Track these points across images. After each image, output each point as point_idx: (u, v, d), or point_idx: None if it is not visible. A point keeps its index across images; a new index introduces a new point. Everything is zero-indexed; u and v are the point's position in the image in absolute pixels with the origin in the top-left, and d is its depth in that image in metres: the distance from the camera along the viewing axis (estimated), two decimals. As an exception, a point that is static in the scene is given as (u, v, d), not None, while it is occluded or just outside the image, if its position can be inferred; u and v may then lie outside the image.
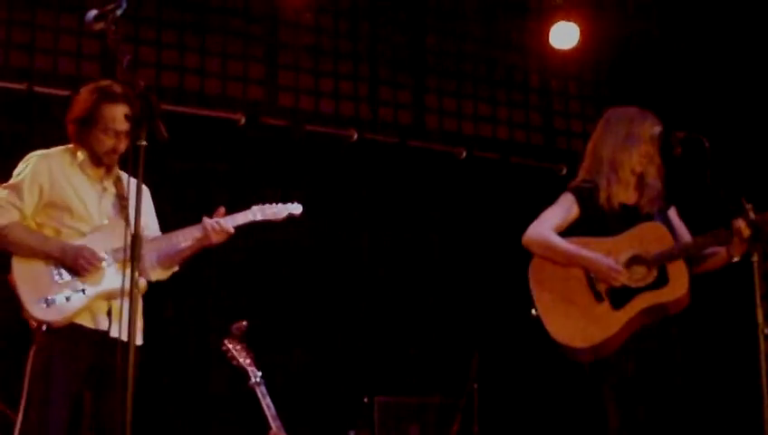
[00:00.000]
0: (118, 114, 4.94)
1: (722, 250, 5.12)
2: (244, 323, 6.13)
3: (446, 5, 8.87)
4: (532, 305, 5.23)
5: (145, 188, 5.12)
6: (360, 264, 8.32)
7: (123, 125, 4.94)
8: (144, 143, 3.96)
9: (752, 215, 4.90)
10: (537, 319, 5.21)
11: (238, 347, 6.06)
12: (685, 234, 5.27)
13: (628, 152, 5.21)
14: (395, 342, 8.22)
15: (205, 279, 7.71)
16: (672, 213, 5.31)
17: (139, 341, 4.91)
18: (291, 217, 5.43)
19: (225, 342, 6.07)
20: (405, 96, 8.89)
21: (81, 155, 5.03)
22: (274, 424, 5.81)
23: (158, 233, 5.22)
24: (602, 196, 5.19)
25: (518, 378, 8.38)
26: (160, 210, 5.27)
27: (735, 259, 5.06)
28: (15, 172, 4.99)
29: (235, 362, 6.02)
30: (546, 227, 5.23)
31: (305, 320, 8.01)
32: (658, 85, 8.61)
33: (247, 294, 7.78)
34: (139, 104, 4.03)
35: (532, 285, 5.28)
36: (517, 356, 8.26)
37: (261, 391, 5.93)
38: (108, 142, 4.97)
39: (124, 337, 4.82)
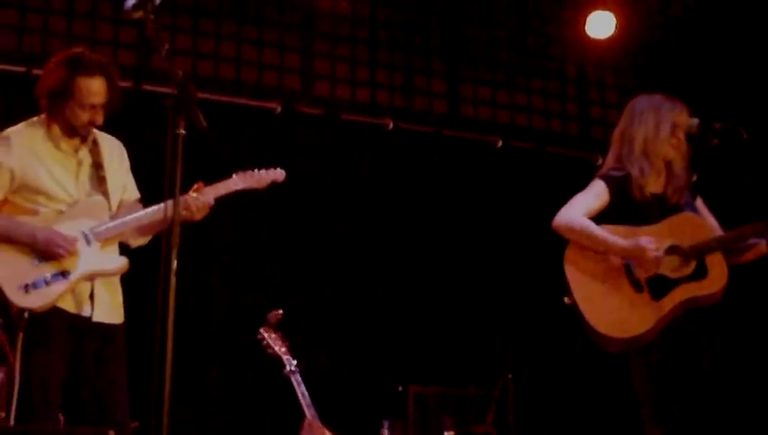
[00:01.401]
0: (94, 87, 4.83)
1: (761, 242, 5.07)
2: (280, 311, 6.13)
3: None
4: (567, 293, 5.19)
5: (119, 146, 5.12)
6: (396, 253, 8.30)
7: (100, 98, 4.83)
8: (183, 132, 3.93)
9: None
10: (572, 306, 5.18)
11: (273, 336, 6.07)
12: (713, 224, 5.20)
13: (659, 141, 5.14)
14: (430, 331, 8.20)
15: (242, 268, 7.74)
16: (699, 203, 5.24)
17: (119, 319, 4.91)
18: (274, 184, 5.30)
19: (261, 330, 6.08)
20: (440, 85, 8.87)
21: (54, 129, 4.89)
22: (309, 412, 5.80)
23: (137, 194, 5.12)
24: (634, 185, 5.12)
25: (553, 367, 8.37)
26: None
27: None
28: None
29: (270, 351, 6.03)
30: (578, 211, 5.15)
31: (341, 309, 8.02)
32: (695, 74, 8.55)
33: (284, 283, 7.80)
34: (178, 93, 3.99)
35: (568, 272, 5.20)
36: (552, 345, 8.25)
37: (296, 380, 5.92)
38: (84, 116, 4.85)
39: (108, 319, 4.85)
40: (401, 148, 8.47)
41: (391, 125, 8.42)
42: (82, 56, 4.88)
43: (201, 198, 4.93)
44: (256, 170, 5.26)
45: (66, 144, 4.92)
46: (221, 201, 5.08)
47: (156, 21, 4.21)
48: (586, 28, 8.51)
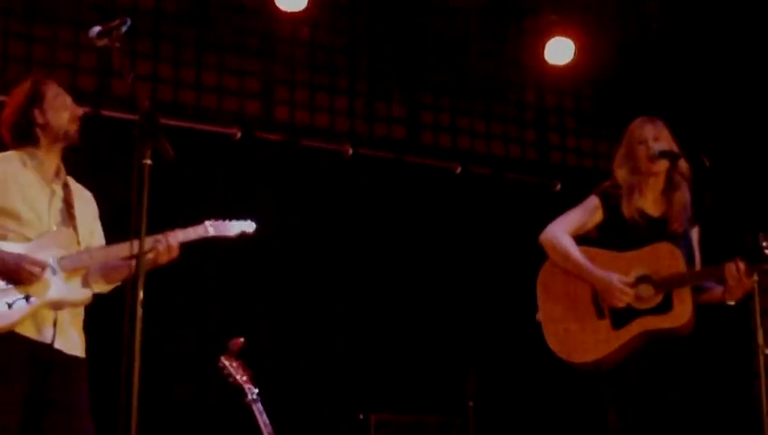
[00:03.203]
0: (60, 90, 4.91)
1: (719, 288, 5.09)
2: (241, 339, 6.09)
3: (443, 23, 8.84)
4: (537, 310, 5.25)
5: (89, 195, 5.13)
6: (356, 280, 8.28)
7: (68, 97, 4.90)
8: (149, 162, 3.89)
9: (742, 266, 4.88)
10: (539, 324, 5.24)
11: (234, 364, 6.03)
12: (696, 259, 5.25)
13: (640, 160, 5.20)
14: (391, 358, 8.18)
15: (202, 295, 7.69)
16: (694, 234, 5.29)
17: (81, 353, 4.85)
18: (243, 236, 5.29)
19: (222, 358, 6.04)
20: (400, 111, 8.88)
21: (30, 157, 4.87)
22: (271, 440, 5.79)
23: (103, 241, 5.09)
24: (624, 201, 5.19)
25: (516, 395, 8.37)
26: (156, 226, 5.17)
27: (730, 302, 5.04)
28: None
29: (231, 380, 5.98)
30: (565, 228, 5.23)
31: (302, 337, 7.98)
32: (655, 100, 8.61)
33: (243, 310, 7.75)
34: (144, 122, 3.95)
35: (538, 290, 5.30)
36: (515, 373, 8.26)
37: (257, 409, 5.89)
38: (63, 111, 4.88)
39: (68, 350, 4.80)
40: (361, 174, 8.45)
41: (351, 151, 8.41)
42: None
43: (170, 239, 4.90)
44: (228, 220, 5.23)
45: (41, 174, 4.89)
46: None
47: (121, 49, 4.19)
48: (545, 55, 8.56)
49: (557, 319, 5.21)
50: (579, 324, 5.15)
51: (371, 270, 8.34)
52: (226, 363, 6.02)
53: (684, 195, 5.20)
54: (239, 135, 8.03)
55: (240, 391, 5.93)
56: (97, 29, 4.35)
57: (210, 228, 5.15)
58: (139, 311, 3.76)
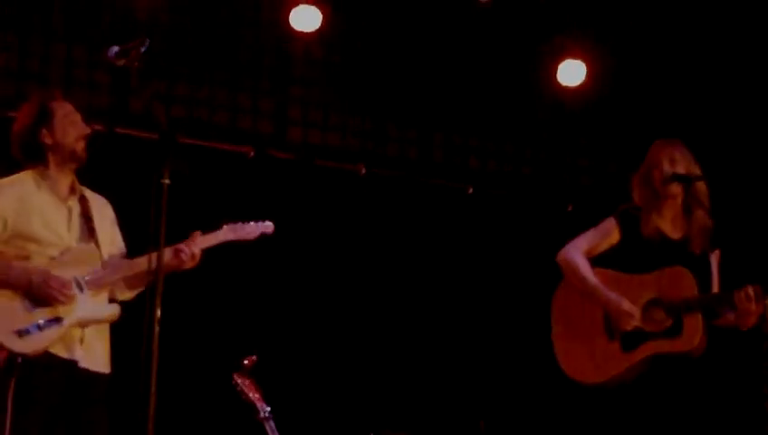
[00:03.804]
0: (70, 107, 4.92)
1: (732, 313, 5.11)
2: (254, 357, 6.12)
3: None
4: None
5: (105, 201, 5.17)
6: (369, 298, 8.28)
7: (77, 116, 4.91)
8: (167, 182, 3.92)
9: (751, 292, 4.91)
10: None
11: (247, 382, 6.05)
12: (714, 284, 5.27)
13: (656, 181, 5.23)
14: (403, 377, 8.18)
15: (215, 312, 7.71)
16: (714, 258, 5.31)
17: (106, 368, 4.91)
18: (263, 236, 5.34)
19: (235, 376, 6.06)
20: (412, 132, 8.88)
21: (43, 178, 4.91)
22: (283, 458, 5.81)
23: (124, 248, 5.13)
24: (642, 224, 5.22)
25: (527, 414, 8.34)
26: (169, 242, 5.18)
27: (742, 328, 5.07)
28: None
29: (244, 397, 6.01)
30: (580, 248, 5.31)
31: (313, 355, 7.98)
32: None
33: (256, 328, 7.76)
34: (162, 141, 3.99)
35: (553, 307, 5.37)
36: (527, 392, 8.24)
37: (270, 426, 5.91)
38: (71, 129, 4.89)
39: (93, 367, 4.84)
40: (373, 193, 8.47)
41: (364, 171, 8.43)
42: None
43: (191, 246, 4.95)
44: (247, 223, 5.27)
45: (56, 193, 4.91)
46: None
47: (141, 69, 4.23)
48: (558, 76, 8.58)
49: (568, 338, 5.30)
50: (589, 345, 5.22)
51: (384, 289, 8.33)
52: (239, 381, 6.04)
53: (701, 218, 5.23)
54: (252, 154, 8.06)
55: (253, 409, 5.95)
56: (116, 49, 4.39)
57: (230, 233, 5.18)
58: (156, 329, 3.79)
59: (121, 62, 4.38)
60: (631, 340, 5.09)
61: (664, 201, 5.25)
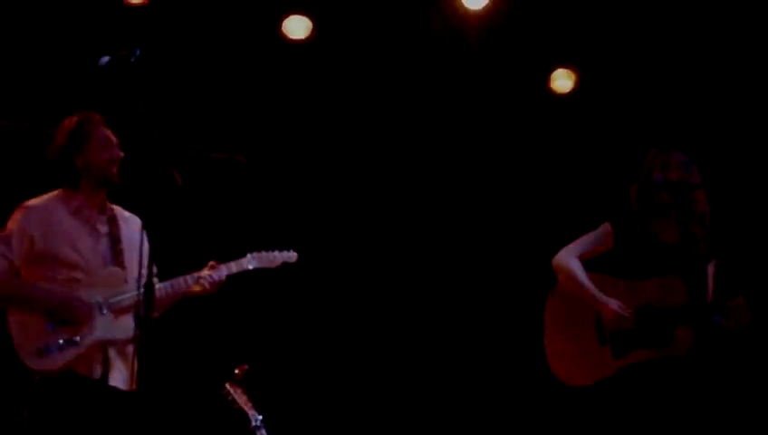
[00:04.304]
0: (107, 131, 4.96)
1: (720, 320, 5.15)
2: (246, 366, 6.13)
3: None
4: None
5: (136, 220, 5.12)
6: (361, 306, 8.29)
7: (113, 141, 4.94)
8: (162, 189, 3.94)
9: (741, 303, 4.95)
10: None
11: (239, 390, 6.06)
12: (709, 292, 5.31)
13: (645, 189, 5.30)
14: (398, 388, 8.20)
15: (206, 322, 7.70)
16: (710, 267, 5.35)
17: (130, 386, 4.95)
18: (286, 265, 5.44)
19: (227, 385, 6.07)
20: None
21: (72, 199, 4.97)
22: (275, 468, 5.82)
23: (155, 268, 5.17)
24: (637, 230, 5.31)
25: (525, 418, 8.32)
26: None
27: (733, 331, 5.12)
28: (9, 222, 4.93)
29: (235, 406, 6.01)
30: (575, 252, 5.37)
31: (305, 364, 8.01)
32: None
33: (248, 337, 7.77)
34: (154, 152, 4.01)
35: (546, 309, 5.45)
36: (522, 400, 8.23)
37: (261, 435, 5.93)
38: (104, 154, 4.93)
39: (119, 385, 4.88)
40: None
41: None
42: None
43: (215, 274, 5.10)
44: (270, 251, 5.42)
45: (85, 214, 4.98)
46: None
47: (130, 78, 4.24)
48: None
49: (559, 341, 5.38)
50: (579, 348, 5.33)
51: (384, 292, 8.33)
52: (231, 390, 6.05)
53: (694, 227, 5.27)
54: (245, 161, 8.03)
55: (244, 418, 5.96)
56: (106, 58, 4.40)
57: (253, 261, 5.32)
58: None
59: (112, 72, 4.39)
60: (622, 345, 5.17)
61: (657, 208, 5.29)
